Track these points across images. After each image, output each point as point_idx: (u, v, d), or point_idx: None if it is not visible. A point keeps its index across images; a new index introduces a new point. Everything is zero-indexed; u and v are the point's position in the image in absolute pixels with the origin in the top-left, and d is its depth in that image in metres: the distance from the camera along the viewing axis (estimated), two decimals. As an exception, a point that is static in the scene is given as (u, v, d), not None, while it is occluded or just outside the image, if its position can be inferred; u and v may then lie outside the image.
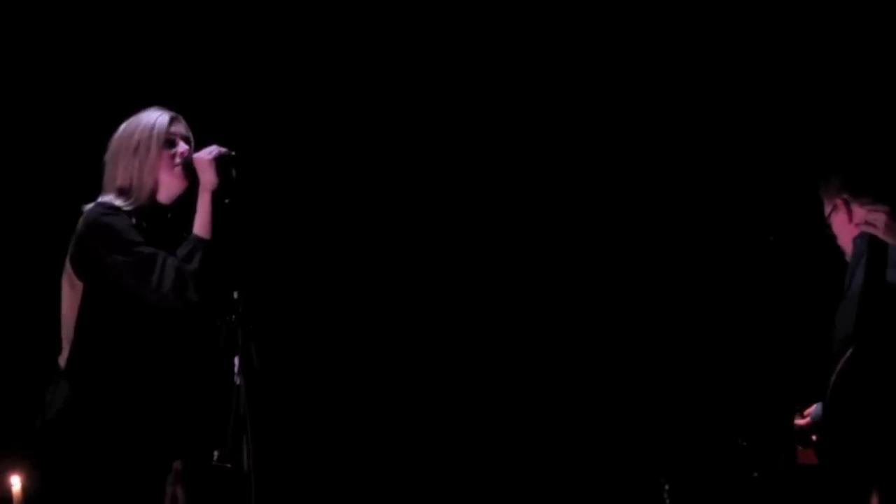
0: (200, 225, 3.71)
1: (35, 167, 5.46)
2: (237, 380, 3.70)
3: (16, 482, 5.10)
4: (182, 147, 3.83)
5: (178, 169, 3.79)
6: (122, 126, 3.86)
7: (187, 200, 3.83)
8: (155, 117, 3.83)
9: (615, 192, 5.83)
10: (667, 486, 5.23)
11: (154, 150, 3.79)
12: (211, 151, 3.75)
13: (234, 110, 5.35)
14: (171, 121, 3.84)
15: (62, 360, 3.75)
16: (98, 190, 3.85)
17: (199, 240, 3.69)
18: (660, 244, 5.81)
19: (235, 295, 3.69)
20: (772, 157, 5.58)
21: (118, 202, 3.76)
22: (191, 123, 3.91)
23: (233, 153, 3.75)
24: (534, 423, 5.78)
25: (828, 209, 4.39)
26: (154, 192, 3.80)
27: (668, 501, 5.19)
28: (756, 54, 5.61)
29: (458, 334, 5.81)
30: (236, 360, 3.69)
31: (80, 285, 3.74)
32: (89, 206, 3.78)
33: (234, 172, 3.73)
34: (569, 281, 5.83)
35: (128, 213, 3.75)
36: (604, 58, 5.75)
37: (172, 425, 3.74)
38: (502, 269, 5.84)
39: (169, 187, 3.82)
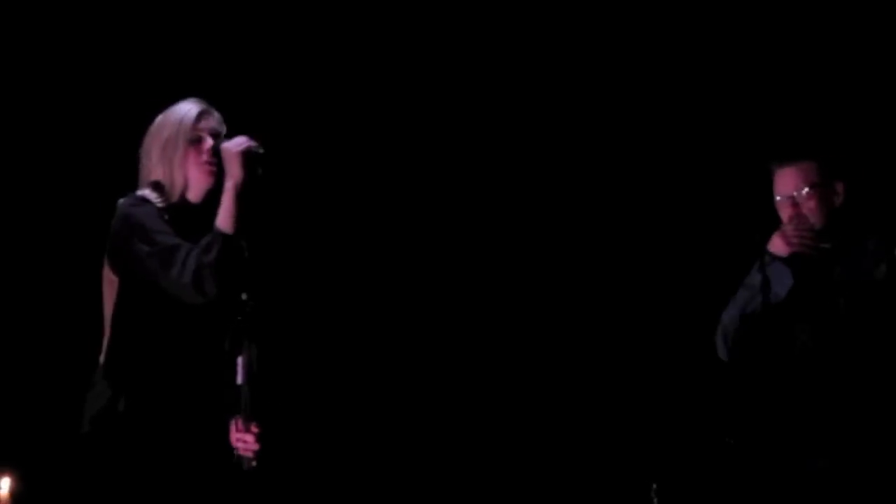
0: (223, 218, 3.64)
1: (77, 164, 5.42)
2: (240, 380, 3.70)
3: (4, 485, 5.11)
4: (208, 143, 3.75)
5: (205, 166, 3.73)
6: (157, 119, 3.81)
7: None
8: (184, 112, 3.78)
9: (601, 195, 5.83)
10: (654, 486, 5.24)
11: (181, 147, 3.74)
12: (240, 144, 3.69)
13: (260, 111, 5.29)
14: (200, 115, 3.77)
15: (102, 357, 3.71)
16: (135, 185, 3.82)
17: (220, 233, 3.61)
18: (642, 245, 5.81)
19: (244, 296, 3.68)
20: (759, 156, 5.59)
21: (151, 196, 3.73)
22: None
23: (261, 150, 3.69)
24: (523, 423, 5.78)
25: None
26: (185, 189, 3.76)
27: (655, 501, 5.20)
28: (747, 54, 5.63)
29: (452, 336, 5.80)
30: (240, 361, 3.69)
31: (115, 281, 3.70)
32: (122, 199, 3.74)
33: (259, 170, 3.67)
34: (557, 284, 5.83)
35: (159, 206, 3.71)
36: (597, 58, 5.75)
37: (205, 421, 3.70)
38: (491, 273, 5.84)
39: (197, 184, 3.76)
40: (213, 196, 3.73)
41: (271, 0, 5.70)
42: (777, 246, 4.23)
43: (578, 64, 5.79)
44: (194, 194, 3.78)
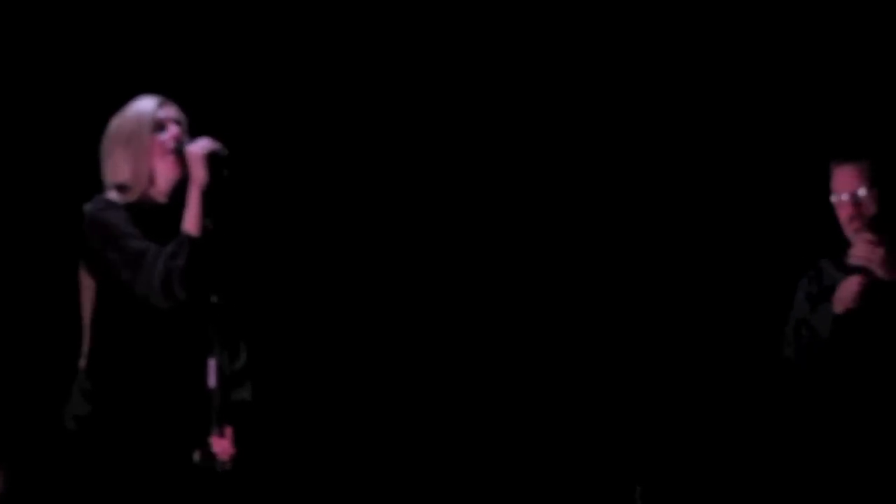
0: (189, 221, 3.65)
1: (49, 167, 5.43)
2: (211, 382, 3.72)
3: (-8, 482, 5.14)
4: (173, 130, 3.76)
5: (171, 154, 3.73)
6: (113, 120, 3.80)
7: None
8: (143, 104, 3.78)
9: (591, 198, 5.83)
10: (639, 488, 5.25)
11: (145, 137, 3.73)
12: (203, 146, 3.69)
13: (230, 109, 5.30)
14: (159, 105, 3.77)
15: (82, 361, 3.73)
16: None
17: (187, 237, 3.63)
18: (622, 251, 5.80)
19: (214, 299, 3.71)
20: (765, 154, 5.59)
21: (116, 197, 3.72)
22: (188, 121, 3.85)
23: (226, 152, 3.70)
24: (507, 427, 5.75)
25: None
26: (152, 182, 3.75)
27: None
28: (747, 52, 5.63)
29: (436, 337, 5.79)
30: (211, 364, 3.72)
31: (92, 285, 3.71)
32: (88, 204, 3.74)
33: (225, 172, 3.68)
34: (540, 290, 5.82)
35: (126, 207, 3.70)
36: (598, 56, 5.74)
37: (186, 420, 3.72)
38: (474, 278, 5.82)
39: (165, 175, 3.75)
40: (179, 194, 3.73)
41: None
42: (840, 305, 4.18)
43: (589, 64, 5.76)
44: (161, 189, 3.76)
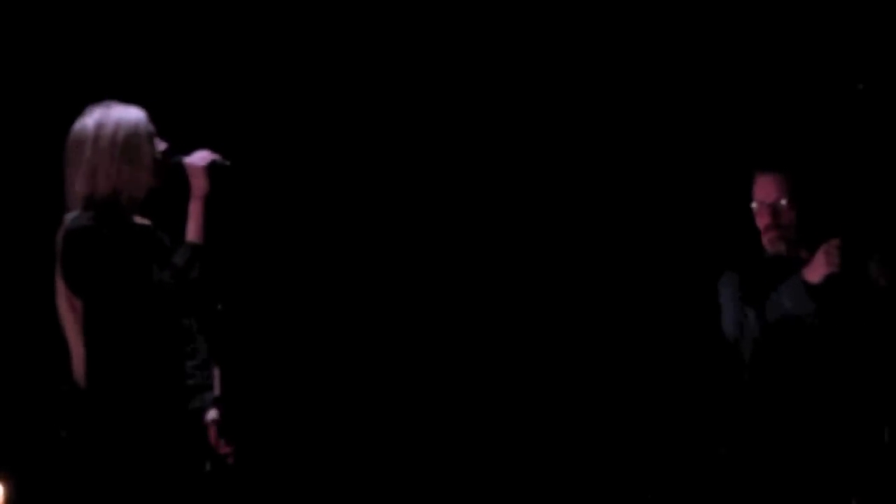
0: (196, 232, 3.66)
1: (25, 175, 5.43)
2: (216, 391, 3.75)
3: (-1, 491, 5.17)
4: (161, 143, 3.74)
5: (163, 167, 3.69)
6: (91, 126, 3.69)
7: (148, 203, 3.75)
8: (132, 114, 3.71)
9: (595, 197, 5.83)
10: (650, 496, 5.25)
11: (147, 150, 3.68)
12: (204, 158, 3.69)
13: (220, 116, 5.31)
14: (147, 116, 3.73)
15: (77, 378, 3.69)
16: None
17: (197, 248, 3.64)
18: (629, 252, 5.79)
19: (219, 307, 3.72)
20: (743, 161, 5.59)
21: (98, 212, 3.64)
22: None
23: (227, 162, 3.71)
24: (515, 432, 5.76)
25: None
26: (144, 194, 3.71)
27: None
28: (732, 61, 5.63)
29: (443, 338, 5.79)
30: (216, 373, 3.74)
31: (79, 303, 3.66)
32: (69, 218, 3.66)
33: (225, 182, 3.68)
34: (547, 293, 5.82)
35: (107, 221, 3.63)
36: (594, 54, 5.75)
37: (187, 424, 3.73)
38: (476, 281, 5.83)
39: (149, 187, 3.72)
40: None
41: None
42: (817, 273, 4.20)
43: (573, 61, 5.77)
44: (137, 202, 3.72)
